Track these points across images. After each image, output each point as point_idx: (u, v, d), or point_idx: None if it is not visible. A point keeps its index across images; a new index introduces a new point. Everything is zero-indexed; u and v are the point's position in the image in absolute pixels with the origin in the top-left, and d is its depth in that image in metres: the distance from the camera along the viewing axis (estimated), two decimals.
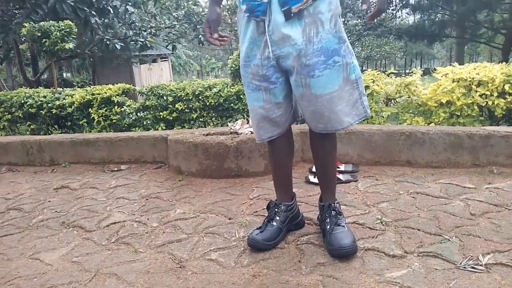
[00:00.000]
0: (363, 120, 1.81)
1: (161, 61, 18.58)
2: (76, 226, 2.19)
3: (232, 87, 3.52)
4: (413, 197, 2.14)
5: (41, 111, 4.15)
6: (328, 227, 1.70)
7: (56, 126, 4.26)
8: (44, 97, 4.22)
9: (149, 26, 9.24)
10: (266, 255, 1.69)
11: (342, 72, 1.57)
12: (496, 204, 1.98)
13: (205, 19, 1.74)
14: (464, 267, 1.48)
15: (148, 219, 2.18)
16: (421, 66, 46.39)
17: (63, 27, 4.14)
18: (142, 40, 7.97)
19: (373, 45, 19.52)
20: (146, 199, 2.49)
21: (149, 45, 8.22)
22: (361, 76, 1.66)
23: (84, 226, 2.17)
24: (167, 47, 12.12)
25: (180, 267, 1.67)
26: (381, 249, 1.64)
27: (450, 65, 3.23)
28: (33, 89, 4.58)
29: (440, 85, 2.98)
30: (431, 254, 1.58)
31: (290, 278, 1.52)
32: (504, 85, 2.79)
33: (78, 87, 16.32)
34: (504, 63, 3.04)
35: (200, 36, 11.08)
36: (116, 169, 3.22)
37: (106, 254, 1.85)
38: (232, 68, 3.52)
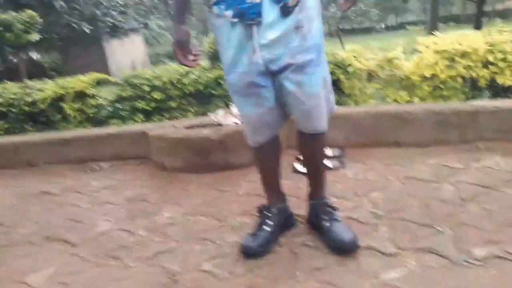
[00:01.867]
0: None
1: (133, 34, 17.98)
2: (61, 240, 2.10)
3: (210, 71, 3.39)
4: (403, 183, 2.12)
5: (12, 109, 3.96)
6: (326, 224, 1.67)
7: (31, 123, 4.09)
8: (14, 94, 4.02)
9: (117, 4, 8.83)
10: (260, 262, 1.65)
11: (325, 69, 1.55)
12: (485, 185, 1.97)
13: (173, 42, 1.59)
14: (459, 263, 1.47)
15: (135, 227, 2.11)
16: (395, 20, 45.64)
17: (25, 19, 3.88)
18: (112, 21, 7.61)
19: None
20: (132, 203, 2.42)
21: (119, 26, 7.86)
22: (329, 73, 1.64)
23: (70, 240, 2.09)
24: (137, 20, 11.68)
25: (174, 281, 1.63)
26: (376, 248, 1.62)
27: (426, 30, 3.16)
28: (0, 84, 4.36)
29: (423, 58, 2.92)
30: (426, 250, 1.57)
31: (286, 287, 1.49)
32: (488, 55, 2.75)
33: (50, 70, 15.74)
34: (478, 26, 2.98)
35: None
36: (97, 168, 3.11)
37: (95, 271, 1.79)
38: (209, 52, 3.38)
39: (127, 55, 17.67)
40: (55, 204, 2.60)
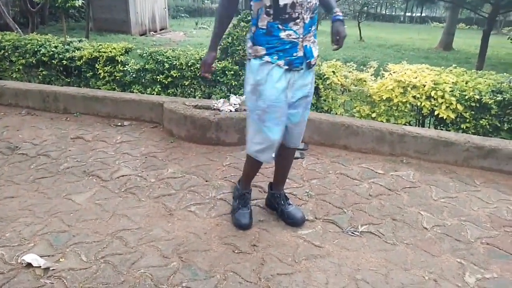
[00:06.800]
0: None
1: None
2: (94, 175, 3.01)
3: (219, 62, 4.18)
4: (337, 177, 3.00)
5: (53, 61, 4.76)
6: (284, 207, 2.44)
7: (65, 73, 4.91)
8: (56, 47, 4.81)
9: None
10: (227, 212, 2.55)
11: None
12: (390, 188, 2.86)
13: (202, 60, 2.28)
14: (347, 232, 2.38)
15: (147, 175, 3.01)
16: (421, 13, 44.82)
17: None
18: None
19: None
20: (146, 157, 3.30)
21: None
22: None
23: (101, 176, 2.99)
24: None
25: (170, 214, 2.54)
26: None
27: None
28: (43, 36, 5.13)
29: (384, 84, 3.73)
30: (330, 221, 2.47)
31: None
32: (431, 91, 3.56)
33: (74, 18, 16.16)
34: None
35: None
36: (119, 124, 3.98)
37: (119, 200, 2.70)
38: (223, 45, 4.17)
39: (149, 5, 18.16)
40: (88, 148, 3.48)
